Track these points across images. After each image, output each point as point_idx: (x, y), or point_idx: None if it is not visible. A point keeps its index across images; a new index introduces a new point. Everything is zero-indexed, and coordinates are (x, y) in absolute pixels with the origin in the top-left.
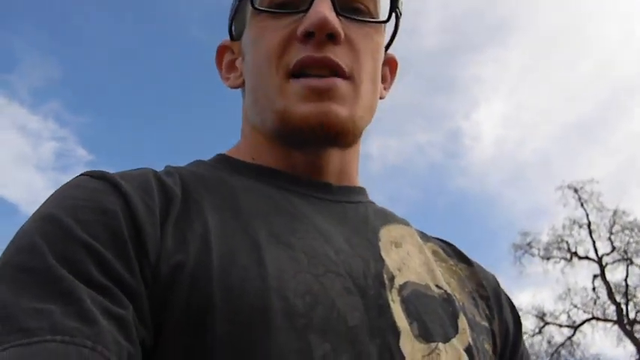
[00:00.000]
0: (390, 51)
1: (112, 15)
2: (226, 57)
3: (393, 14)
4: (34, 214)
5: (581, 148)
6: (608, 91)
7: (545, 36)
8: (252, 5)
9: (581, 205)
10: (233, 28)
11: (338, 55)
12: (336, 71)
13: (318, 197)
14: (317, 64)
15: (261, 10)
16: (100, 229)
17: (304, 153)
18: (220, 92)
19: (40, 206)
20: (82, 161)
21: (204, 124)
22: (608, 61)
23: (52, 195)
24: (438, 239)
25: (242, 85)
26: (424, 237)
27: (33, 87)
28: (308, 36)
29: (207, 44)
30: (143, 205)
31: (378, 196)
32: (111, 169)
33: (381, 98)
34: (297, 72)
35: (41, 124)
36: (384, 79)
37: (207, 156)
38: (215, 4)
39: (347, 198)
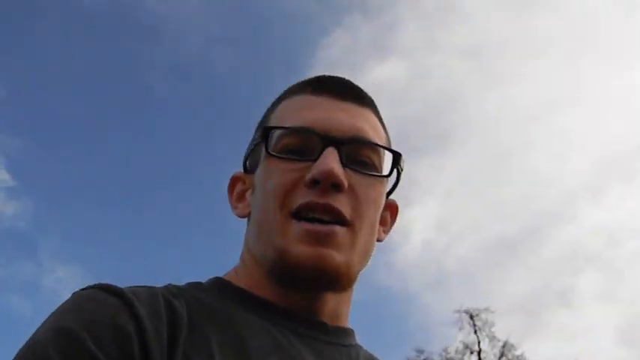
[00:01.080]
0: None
1: (74, 43)
2: (238, 187)
3: (395, 170)
4: (46, 323)
5: (503, 262)
6: (532, 217)
7: (484, 153)
8: (267, 150)
9: (475, 332)
10: (248, 161)
11: (340, 202)
12: (337, 217)
13: (315, 337)
14: (320, 209)
15: (275, 155)
16: (115, 350)
17: (300, 293)
18: (159, 151)
19: (54, 315)
20: (2, 186)
21: (139, 163)
22: (533, 190)
23: (66, 304)
24: None
25: (248, 216)
26: None
27: None
28: (314, 183)
29: (163, 96)
30: (153, 329)
31: None
32: (31, 199)
33: (379, 241)
34: (300, 214)
35: None
36: (384, 223)
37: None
38: (180, 60)
39: (340, 340)
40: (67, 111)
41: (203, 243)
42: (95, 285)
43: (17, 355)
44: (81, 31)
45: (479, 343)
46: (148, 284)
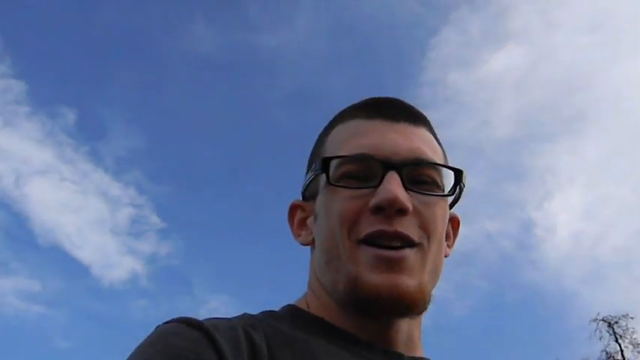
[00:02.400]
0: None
1: (199, 89)
2: (298, 214)
3: (457, 187)
4: (134, 356)
5: None
6: None
7: (626, 130)
8: (328, 181)
9: (616, 340)
10: (307, 189)
11: (407, 226)
12: (405, 242)
13: None
14: (386, 237)
15: (337, 185)
16: None
17: (374, 321)
18: (297, 180)
19: (140, 349)
20: (154, 228)
21: (276, 211)
22: None
23: (150, 338)
24: None
25: (312, 243)
26: None
27: (118, 155)
28: (379, 210)
29: (288, 127)
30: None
31: (445, 283)
32: (180, 238)
33: (445, 257)
34: (369, 241)
35: (122, 191)
36: (448, 237)
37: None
38: (297, 88)
39: None
40: (203, 154)
41: None
42: (177, 319)
43: None
44: (204, 76)
45: (621, 351)
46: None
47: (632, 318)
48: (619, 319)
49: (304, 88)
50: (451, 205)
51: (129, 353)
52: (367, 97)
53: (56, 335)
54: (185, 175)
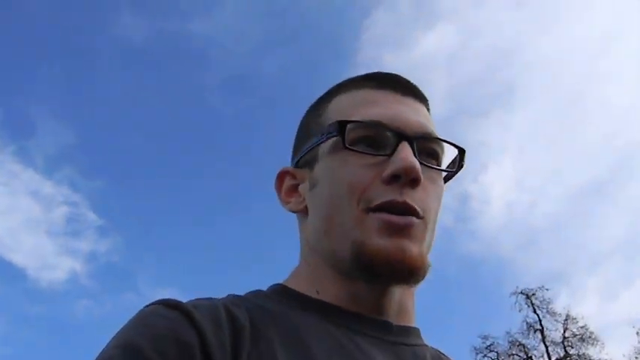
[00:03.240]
0: None
1: (130, 79)
2: (287, 181)
3: (461, 165)
4: (114, 339)
5: (593, 208)
6: (616, 156)
7: (552, 99)
8: (344, 145)
9: (534, 310)
10: (303, 155)
11: (414, 198)
12: (413, 214)
13: (380, 338)
14: (399, 208)
15: (352, 149)
16: None
17: (370, 288)
18: (231, 164)
19: (120, 332)
20: (92, 226)
21: (217, 196)
22: (613, 126)
23: (131, 321)
24: None
25: (303, 211)
26: None
27: (48, 153)
28: (394, 178)
29: (223, 112)
30: (216, 340)
31: None
32: (120, 235)
33: None
34: (377, 209)
35: (54, 189)
36: None
37: (223, 233)
38: (231, 73)
39: (406, 340)
40: (136, 146)
41: (287, 254)
42: (157, 301)
43: None
44: (135, 66)
45: (540, 321)
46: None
47: (547, 289)
48: (535, 291)
49: (238, 72)
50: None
51: (75, 353)
52: (369, 72)
53: None
54: (120, 169)
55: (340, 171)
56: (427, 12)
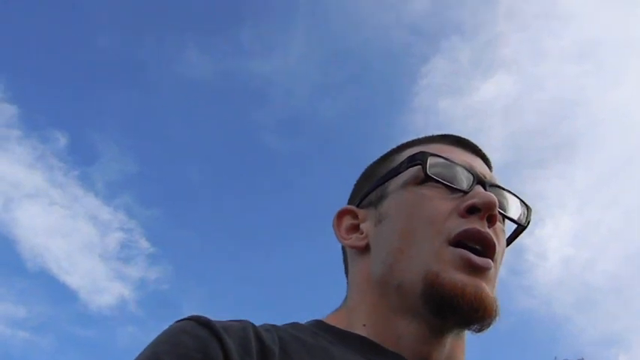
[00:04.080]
0: None
1: (191, 114)
2: (346, 220)
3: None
4: (144, 354)
5: None
6: None
7: (614, 156)
8: (425, 172)
9: None
10: (365, 198)
11: (493, 237)
12: (488, 251)
13: None
14: (479, 238)
15: (434, 178)
16: None
17: (423, 330)
18: (291, 205)
19: (149, 346)
20: (144, 253)
21: (273, 234)
22: None
23: (161, 336)
24: None
25: (362, 248)
26: None
27: (109, 180)
28: (472, 211)
29: (278, 151)
30: None
31: None
32: (170, 263)
33: None
34: (456, 242)
35: (112, 215)
36: None
37: (273, 268)
38: (289, 114)
39: None
40: (194, 179)
41: (330, 292)
42: (189, 317)
43: None
44: (196, 102)
45: None
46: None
47: None
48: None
49: (296, 113)
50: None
51: None
52: (442, 133)
53: None
54: (176, 200)
55: (418, 203)
56: (486, 61)
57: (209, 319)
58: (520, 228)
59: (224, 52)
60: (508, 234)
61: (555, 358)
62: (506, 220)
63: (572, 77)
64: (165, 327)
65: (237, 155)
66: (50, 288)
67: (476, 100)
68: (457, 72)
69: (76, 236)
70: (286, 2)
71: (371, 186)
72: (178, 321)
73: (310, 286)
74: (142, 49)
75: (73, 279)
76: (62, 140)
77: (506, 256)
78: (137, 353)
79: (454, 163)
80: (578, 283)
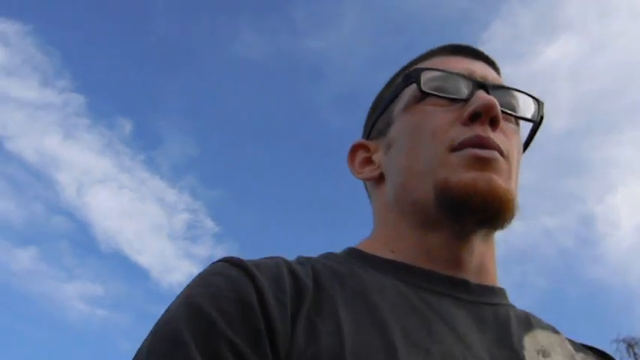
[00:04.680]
0: None
1: (249, 95)
2: (359, 154)
3: (541, 116)
4: (179, 297)
5: None
6: None
7: None
8: (420, 88)
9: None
10: (376, 125)
11: (497, 139)
12: (494, 149)
13: (456, 297)
14: (481, 143)
15: (429, 93)
16: (240, 324)
17: (449, 238)
18: (352, 181)
19: (185, 290)
20: (209, 232)
21: (334, 211)
22: None
23: (196, 279)
24: (593, 349)
25: (377, 178)
26: (576, 346)
27: (173, 162)
28: (474, 117)
29: (338, 128)
30: (275, 299)
31: (501, 281)
32: (235, 241)
33: None
34: (460, 149)
35: (177, 197)
36: None
37: (333, 244)
38: (346, 90)
39: (486, 299)
40: (254, 158)
41: None
42: (222, 258)
43: (156, 325)
44: (253, 82)
45: None
46: None
47: None
48: (639, 340)
49: (353, 89)
50: (525, 147)
51: None
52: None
53: (119, 337)
54: (238, 180)
55: (419, 121)
56: (550, 24)
57: (242, 259)
58: (535, 125)
59: (278, 31)
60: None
61: (618, 334)
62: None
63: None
64: None
65: (295, 133)
66: (124, 268)
67: (540, 64)
68: (519, 36)
69: (145, 218)
70: None
71: (376, 115)
72: (212, 263)
73: None
74: (198, 33)
75: (144, 259)
76: (127, 126)
77: (575, 226)
78: None
79: (451, 72)
80: None
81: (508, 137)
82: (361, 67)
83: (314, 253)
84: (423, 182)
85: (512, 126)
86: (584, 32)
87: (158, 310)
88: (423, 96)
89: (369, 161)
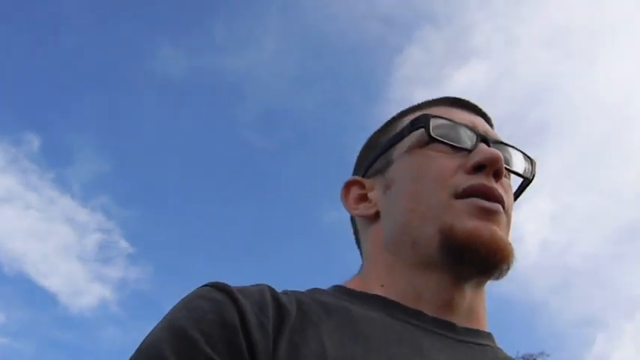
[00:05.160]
0: None
1: (167, 112)
2: (353, 191)
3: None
4: (162, 320)
5: (632, 252)
6: None
7: (587, 141)
8: (429, 134)
9: None
10: (370, 167)
11: (499, 191)
12: (498, 201)
13: (442, 334)
14: (486, 192)
15: (436, 139)
16: (221, 344)
17: (442, 282)
18: (278, 192)
19: (168, 313)
20: (123, 253)
21: (254, 234)
22: None
23: (180, 303)
24: None
25: (372, 216)
26: None
27: (85, 181)
28: (478, 168)
29: (257, 147)
30: (258, 322)
31: None
32: (150, 262)
33: None
34: (464, 196)
35: (89, 216)
36: None
37: (252, 269)
38: (266, 109)
39: (472, 339)
40: (171, 177)
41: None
42: (207, 283)
43: (138, 349)
44: (171, 99)
45: None
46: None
47: (548, 355)
48: (537, 356)
49: (273, 108)
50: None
51: None
52: (441, 96)
53: None
54: (154, 199)
55: (423, 164)
56: (460, 50)
57: (226, 284)
58: (526, 181)
59: (198, 48)
60: (514, 189)
61: (517, 352)
62: (512, 176)
63: (542, 64)
64: (147, 328)
65: (215, 151)
66: (29, 292)
67: (450, 89)
68: (431, 62)
69: (54, 239)
70: None
71: (375, 154)
72: (197, 288)
73: (296, 282)
74: (114, 47)
75: (51, 282)
76: (35, 142)
77: None
78: (119, 354)
79: (457, 123)
80: (555, 265)
81: (506, 191)
82: (282, 88)
83: (232, 278)
84: (427, 225)
85: (507, 181)
86: (490, 58)
87: (66, 337)
88: (429, 141)
89: (364, 198)
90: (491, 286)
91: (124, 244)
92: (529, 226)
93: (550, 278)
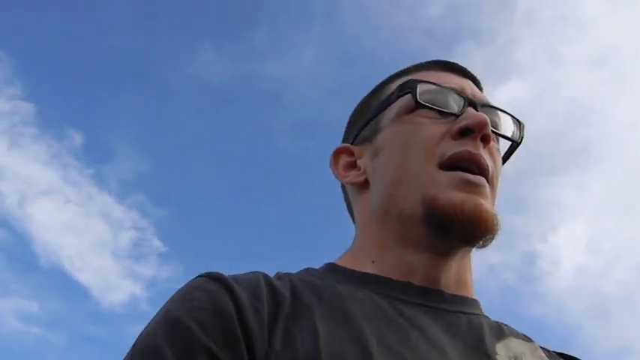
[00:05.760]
0: None
1: (205, 115)
2: (343, 159)
3: (522, 137)
4: (159, 312)
5: None
6: None
7: (629, 165)
8: (416, 99)
9: None
10: (359, 134)
11: (485, 158)
12: (482, 172)
13: (431, 306)
14: (471, 160)
15: (423, 104)
16: (216, 331)
17: (430, 254)
18: (310, 200)
19: (165, 305)
20: (155, 252)
21: (285, 237)
22: None
23: (175, 294)
24: (567, 356)
25: (361, 183)
26: (550, 354)
27: (123, 179)
28: (465, 133)
29: (292, 154)
30: (253, 309)
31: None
32: (181, 263)
33: None
34: (449, 165)
35: (125, 214)
36: None
37: (285, 262)
38: (302, 117)
39: (460, 308)
40: (207, 180)
41: None
42: (201, 273)
43: (135, 341)
44: (210, 103)
45: None
46: None
47: None
48: None
49: (309, 117)
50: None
51: None
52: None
53: (52, 357)
54: (188, 200)
55: (410, 131)
56: (501, 66)
57: (220, 273)
58: (514, 144)
59: (239, 54)
60: (503, 152)
61: None
62: (501, 139)
63: (588, 83)
64: None
65: (250, 157)
66: (63, 285)
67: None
68: None
69: (89, 234)
70: (302, 5)
71: (364, 121)
72: (192, 278)
73: None
74: (157, 49)
75: (85, 276)
76: (77, 139)
77: (518, 263)
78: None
79: (444, 87)
80: (591, 291)
81: (493, 156)
82: (319, 97)
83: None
84: (411, 196)
85: (495, 145)
86: (533, 76)
87: (96, 331)
88: (416, 107)
89: (353, 165)
90: (524, 307)
91: (156, 242)
92: (566, 249)
93: (585, 303)
